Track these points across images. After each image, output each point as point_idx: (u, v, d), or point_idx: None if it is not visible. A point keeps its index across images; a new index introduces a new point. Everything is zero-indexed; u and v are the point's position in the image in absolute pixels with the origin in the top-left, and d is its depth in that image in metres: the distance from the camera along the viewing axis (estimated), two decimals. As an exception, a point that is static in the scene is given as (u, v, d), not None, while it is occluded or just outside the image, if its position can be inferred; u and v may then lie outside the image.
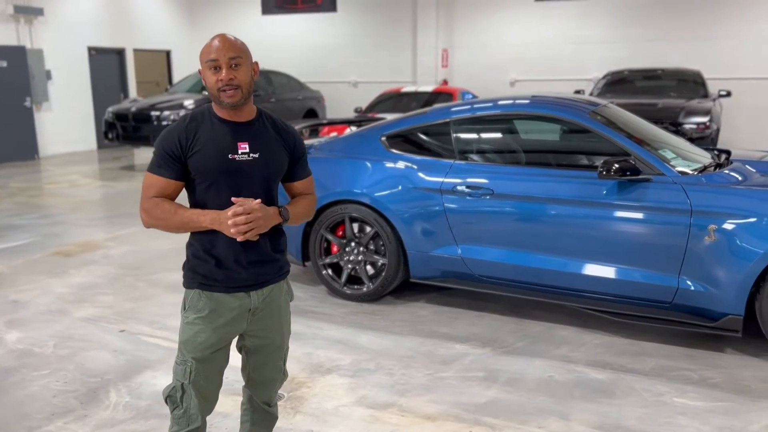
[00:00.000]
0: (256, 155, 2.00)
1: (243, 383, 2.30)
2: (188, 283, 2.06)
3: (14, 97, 11.58)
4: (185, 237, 2.09)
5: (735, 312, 3.37)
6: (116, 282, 4.87)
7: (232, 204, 1.95)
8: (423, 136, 4.35)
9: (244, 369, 2.24)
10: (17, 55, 11.57)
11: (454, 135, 4.22)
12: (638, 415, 2.93)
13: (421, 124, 4.35)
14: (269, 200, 2.05)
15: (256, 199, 1.97)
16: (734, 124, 10.91)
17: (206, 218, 1.95)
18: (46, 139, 12.37)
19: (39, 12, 11.95)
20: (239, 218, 1.90)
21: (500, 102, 4.29)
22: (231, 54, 1.93)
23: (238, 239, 1.94)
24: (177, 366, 2.06)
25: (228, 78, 1.91)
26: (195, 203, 2.03)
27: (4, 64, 11.35)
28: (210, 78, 1.94)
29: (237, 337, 2.15)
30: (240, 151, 1.97)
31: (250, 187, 1.99)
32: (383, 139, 4.40)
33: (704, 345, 3.64)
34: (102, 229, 6.59)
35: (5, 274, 5.07)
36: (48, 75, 12.31)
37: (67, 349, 3.67)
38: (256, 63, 2.04)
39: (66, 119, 12.77)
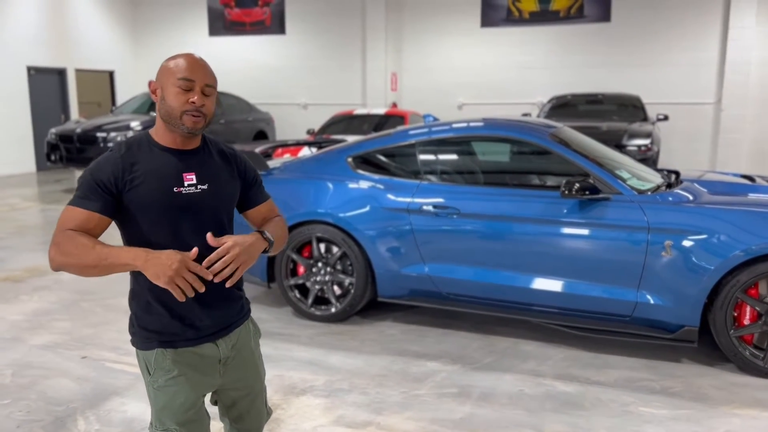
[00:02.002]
0: (205, 186, 1.78)
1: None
2: (144, 344, 1.79)
3: (-52, 117, 11.07)
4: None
5: (691, 324, 3.56)
6: (72, 307, 4.70)
7: (178, 246, 1.68)
8: (389, 158, 4.42)
9: (224, 417, 2.02)
10: (-48, 73, 11.09)
11: (420, 156, 4.31)
12: (608, 425, 3.04)
13: (387, 145, 4.43)
14: (222, 235, 1.78)
15: (204, 236, 1.71)
16: (670, 147, 11.49)
17: (128, 255, 1.61)
18: (-19, 161, 11.86)
19: (-25, 29, 11.52)
20: (188, 276, 1.61)
21: (465, 124, 4.42)
22: (208, 81, 1.75)
23: (199, 290, 1.63)
24: None
25: (200, 103, 1.72)
26: (132, 244, 1.75)
27: (-62, 82, 10.86)
28: (177, 96, 1.71)
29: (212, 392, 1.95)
30: (186, 184, 1.75)
31: (199, 222, 1.76)
32: (349, 159, 4.45)
33: (663, 356, 3.82)
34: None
35: (-50, 302, 4.83)
36: (-16, 94, 11.84)
37: (27, 378, 3.52)
38: (217, 94, 1.92)
39: (4, 140, 12.28)
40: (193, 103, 1.72)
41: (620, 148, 8.09)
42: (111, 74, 15.15)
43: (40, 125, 12.91)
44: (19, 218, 8.14)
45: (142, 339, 1.80)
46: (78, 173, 12.22)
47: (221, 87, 13.78)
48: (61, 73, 13.71)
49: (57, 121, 13.16)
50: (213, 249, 1.71)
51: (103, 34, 14.80)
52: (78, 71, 14.05)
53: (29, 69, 12.85)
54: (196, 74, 1.73)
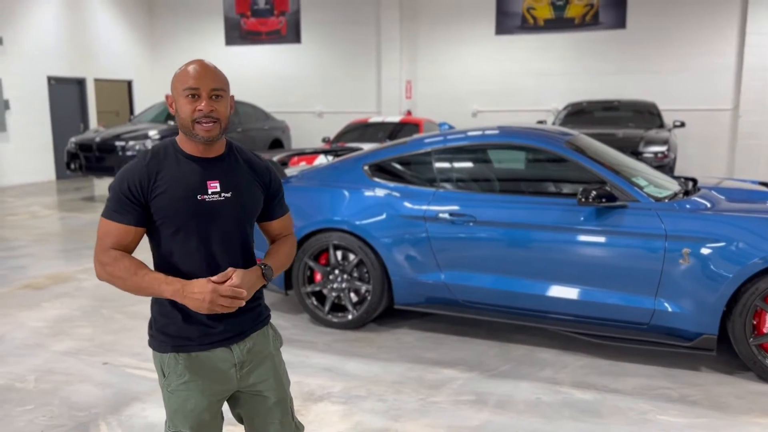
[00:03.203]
0: (228, 195, 1.80)
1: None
2: (160, 347, 1.83)
3: (-29, 126, 11.28)
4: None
5: (709, 332, 3.54)
6: (93, 314, 4.77)
7: (203, 257, 1.77)
8: (405, 166, 4.45)
9: None
10: (-25, 84, 11.32)
11: (436, 164, 4.34)
12: (626, 433, 3.04)
13: (403, 153, 4.46)
14: (245, 244, 1.87)
15: (230, 243, 1.80)
16: (687, 153, 11.42)
17: (168, 289, 1.71)
18: (3, 170, 12.06)
19: (-2, 41, 11.76)
20: (224, 300, 1.70)
21: (480, 132, 4.44)
22: (214, 85, 1.74)
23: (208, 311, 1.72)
24: None
25: (208, 110, 1.72)
26: (159, 251, 1.82)
27: (-39, 93, 11.08)
28: (185, 107, 1.73)
29: (232, 405, 1.97)
30: (210, 191, 1.77)
31: (223, 231, 1.80)
32: (365, 168, 4.48)
33: (681, 364, 3.80)
34: (70, 261, 6.45)
35: (-26, 309, 4.92)
36: (6, 104, 12.05)
37: (50, 384, 3.58)
38: (232, 96, 1.85)
39: (24, 149, 12.48)
40: (201, 110, 1.72)
41: (636, 155, 8.06)
42: (129, 84, 15.36)
43: (59, 134, 13.12)
44: (39, 226, 8.27)
45: (158, 341, 1.84)
46: (97, 182, 12.40)
47: (238, 96, 13.89)
48: (80, 83, 13.93)
49: (76, 130, 13.37)
50: (237, 247, 1.84)
51: (122, 44, 15.02)
52: (97, 81, 14.27)
53: (49, 79, 13.07)
54: (201, 81, 1.73)
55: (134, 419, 3.17)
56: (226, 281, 1.73)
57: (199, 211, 1.76)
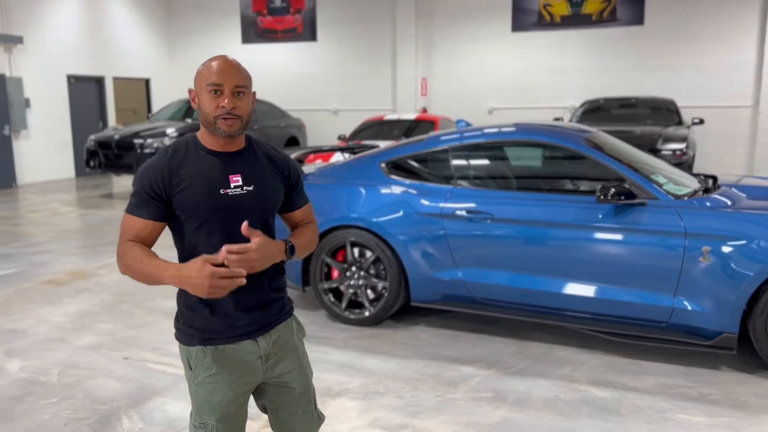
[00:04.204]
0: (251, 188, 1.82)
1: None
2: (187, 340, 1.85)
3: (-8, 124, 11.46)
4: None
5: (729, 330, 3.51)
6: (113, 309, 4.84)
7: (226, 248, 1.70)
8: (422, 163, 4.46)
9: (274, 426, 2.03)
10: (-4, 82, 11.49)
11: (453, 161, 4.34)
12: (645, 432, 3.03)
13: (420, 150, 4.47)
14: (267, 236, 1.83)
15: (254, 236, 1.74)
16: (706, 151, 11.30)
17: (166, 274, 1.68)
18: (24, 167, 12.23)
19: (19, 40, 11.90)
20: (223, 282, 1.64)
21: (497, 129, 4.43)
22: (237, 82, 1.77)
23: (218, 294, 1.66)
24: (196, 429, 1.88)
25: (231, 106, 1.75)
26: (183, 246, 1.83)
27: (-17, 91, 11.25)
28: (208, 103, 1.76)
29: (257, 396, 2.00)
30: (233, 185, 1.79)
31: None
32: (383, 165, 4.50)
33: (701, 363, 3.77)
34: (90, 257, 6.53)
35: (-2, 303, 5.01)
36: (27, 103, 12.21)
37: (73, 377, 3.64)
38: (254, 93, 1.87)
39: (44, 147, 12.65)
40: (224, 107, 1.74)
41: (655, 152, 8.00)
42: (147, 82, 15.49)
43: (79, 132, 13.27)
44: (60, 223, 8.38)
45: (185, 335, 1.86)
46: (116, 179, 12.53)
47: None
48: (99, 82, 14.08)
49: (95, 128, 13.52)
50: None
51: (140, 43, 15.16)
52: (115, 79, 14.41)
53: (69, 77, 13.23)
54: (224, 77, 1.75)
55: (155, 413, 3.22)
56: (221, 261, 1.66)
57: (223, 205, 1.78)
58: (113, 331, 4.38)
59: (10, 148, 11.79)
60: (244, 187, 1.81)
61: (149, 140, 10.33)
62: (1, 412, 3.24)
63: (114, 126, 12.53)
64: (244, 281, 1.67)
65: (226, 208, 1.79)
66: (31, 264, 6.20)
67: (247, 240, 1.79)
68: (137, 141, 10.37)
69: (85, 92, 13.76)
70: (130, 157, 10.32)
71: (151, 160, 1.82)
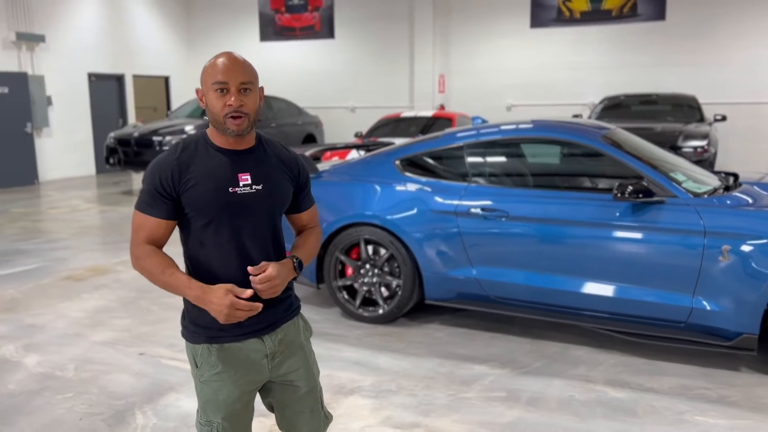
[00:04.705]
0: (259, 187, 1.81)
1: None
2: (193, 338, 1.86)
3: (15, 122, 11.64)
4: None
5: (750, 331, 3.44)
6: (130, 305, 4.88)
7: (234, 249, 1.79)
8: (436, 160, 4.43)
9: (281, 425, 2.03)
10: (19, 81, 11.66)
11: (468, 159, 4.30)
12: (661, 433, 2.98)
13: (434, 148, 4.44)
14: (275, 236, 1.87)
15: (260, 235, 1.82)
16: (728, 148, 11.11)
17: (190, 294, 1.74)
18: (45, 164, 12.40)
19: (41, 39, 12.07)
20: (241, 313, 1.73)
21: (514, 126, 4.39)
22: (242, 79, 1.74)
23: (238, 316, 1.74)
24: (201, 427, 1.88)
25: (238, 104, 1.72)
26: (190, 243, 1.83)
27: (6, 90, 11.43)
28: (215, 102, 1.74)
29: (263, 395, 2.00)
30: (241, 184, 1.78)
31: (254, 223, 1.81)
32: (397, 162, 4.48)
33: (720, 364, 3.70)
34: (109, 253, 6.60)
35: (17, 299, 5.07)
36: (49, 101, 12.39)
37: (89, 372, 3.68)
38: (262, 88, 1.84)
39: (66, 144, 12.82)
40: (230, 105, 1.73)
41: (675, 149, 7.88)
42: (166, 80, 15.63)
43: (99, 129, 13.43)
44: (80, 219, 8.48)
45: (191, 332, 1.86)
46: (135, 176, 12.66)
47: (271, 92, 14.04)
48: (119, 79, 14.23)
49: (115, 126, 13.67)
50: (268, 239, 1.85)
51: (159, 41, 15.29)
52: (135, 77, 14.56)
53: (90, 75, 13.39)
54: (229, 75, 1.73)
55: (169, 409, 3.24)
56: (247, 297, 1.75)
57: (231, 203, 1.77)
58: (130, 327, 4.42)
59: (32, 146, 11.97)
60: (253, 186, 1.80)
61: (168, 137, 10.41)
62: (18, 406, 3.28)
63: (134, 123, 12.65)
64: (259, 308, 1.76)
65: (235, 207, 1.78)
66: (51, 260, 6.29)
67: (252, 235, 1.82)
68: (156, 138, 10.46)
69: (106, 90, 13.92)
70: (149, 154, 10.42)
71: (161, 157, 1.81)
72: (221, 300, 1.70)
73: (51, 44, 12.41)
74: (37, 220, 8.44)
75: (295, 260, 1.87)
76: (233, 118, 1.74)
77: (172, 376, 3.62)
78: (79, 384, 3.53)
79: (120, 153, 10.79)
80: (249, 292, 1.74)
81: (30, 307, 4.87)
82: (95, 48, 13.46)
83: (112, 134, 11.17)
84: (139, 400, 3.33)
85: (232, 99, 1.73)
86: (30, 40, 11.87)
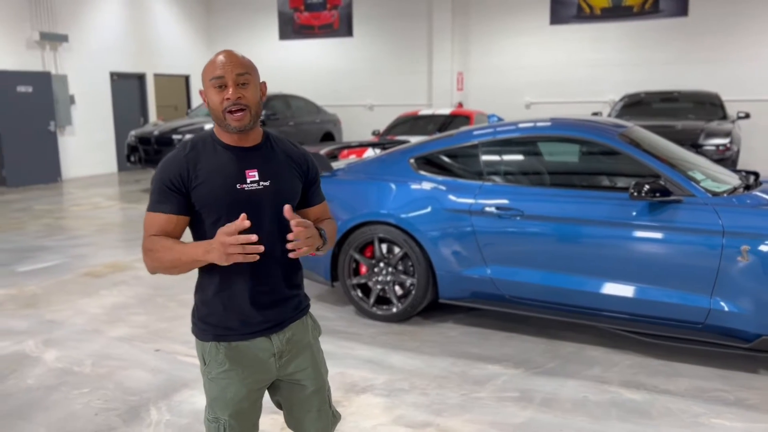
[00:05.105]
0: (267, 183, 1.80)
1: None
2: (202, 335, 1.86)
3: (39, 121, 11.83)
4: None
5: (769, 332, 3.38)
6: (148, 302, 4.94)
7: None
8: (451, 158, 4.41)
9: (289, 423, 2.04)
10: (42, 80, 11.84)
11: (483, 157, 4.28)
12: (676, 436, 2.94)
13: (449, 146, 4.42)
14: (284, 232, 1.80)
15: (269, 231, 1.78)
16: (750, 146, 10.91)
17: (198, 250, 1.68)
18: (68, 162, 12.59)
19: (64, 38, 12.25)
20: (233, 240, 1.60)
21: (529, 124, 4.35)
22: (239, 70, 1.74)
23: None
24: (209, 423, 1.89)
25: (235, 97, 1.72)
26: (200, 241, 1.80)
27: (30, 89, 11.62)
28: (214, 97, 1.74)
29: (272, 393, 2.00)
30: (249, 180, 1.78)
31: (262, 219, 1.79)
32: (411, 161, 4.47)
33: (738, 366, 3.64)
34: (128, 250, 6.68)
35: (38, 295, 5.15)
36: (72, 99, 12.57)
37: (105, 368, 3.73)
38: (264, 83, 1.84)
39: (88, 143, 13.00)
40: (229, 99, 1.72)
41: (697, 148, 7.76)
42: (187, 78, 15.77)
43: (121, 128, 13.60)
44: (101, 216, 8.60)
45: (199, 330, 1.87)
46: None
47: (290, 90, 14.08)
48: (140, 78, 14.39)
49: (136, 124, 13.83)
50: (276, 235, 1.80)
51: (180, 40, 15.43)
52: (156, 76, 14.71)
53: (112, 74, 13.56)
54: (224, 68, 1.73)
55: (183, 405, 3.27)
56: (245, 227, 1.63)
57: (239, 199, 1.77)
58: (146, 324, 4.47)
59: (55, 144, 12.15)
60: (261, 182, 1.80)
61: (188, 136, 10.50)
62: (36, 400, 3.34)
63: (154, 122, 12.80)
64: (261, 248, 1.63)
65: (243, 203, 1.77)
66: (72, 256, 6.38)
67: (262, 232, 1.77)
68: (176, 137, 10.57)
69: (127, 89, 14.09)
70: (169, 152, 10.51)
71: (170, 155, 1.82)
72: (217, 238, 1.63)
73: (74, 44, 12.59)
74: (60, 218, 8.58)
75: (319, 228, 1.83)
76: (232, 112, 1.74)
77: (186, 372, 3.66)
78: (96, 379, 3.58)
79: (141, 151, 10.92)
80: (244, 220, 1.62)
81: (50, 302, 4.95)
82: (117, 47, 13.63)
83: (133, 132, 11.31)
84: (154, 396, 3.37)
85: (230, 92, 1.73)
86: (53, 39, 12.05)
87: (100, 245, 6.90)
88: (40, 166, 11.87)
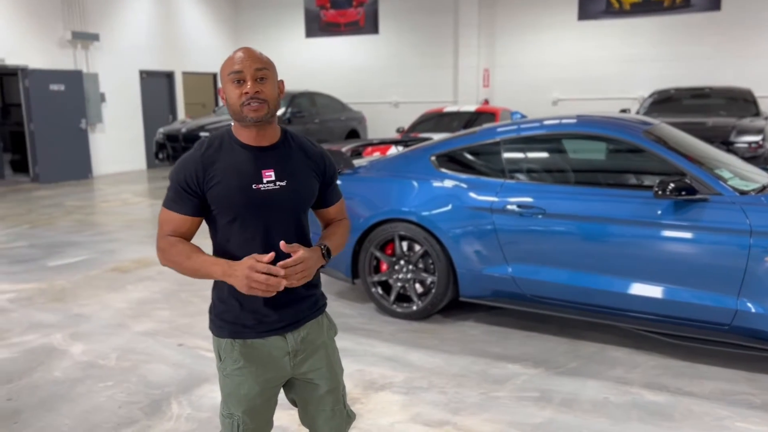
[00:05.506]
0: (283, 183, 1.80)
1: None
2: (218, 332, 1.88)
3: (70, 119, 12.07)
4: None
5: (798, 335, 3.29)
6: (172, 297, 5.01)
7: (259, 246, 1.77)
8: (473, 156, 4.39)
9: (303, 421, 2.05)
10: (74, 78, 12.09)
11: (505, 154, 4.24)
12: (699, 439, 2.88)
13: (471, 143, 4.40)
14: (300, 232, 1.87)
15: (286, 231, 1.81)
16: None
17: (217, 270, 1.73)
18: (99, 159, 12.84)
19: (95, 38, 12.48)
20: (258, 276, 1.67)
21: (551, 121, 4.31)
22: (257, 65, 1.74)
23: (260, 293, 1.70)
24: (224, 418, 1.91)
25: (254, 91, 1.72)
26: (217, 239, 1.85)
27: (62, 87, 11.87)
28: (232, 92, 1.74)
29: (287, 390, 2.01)
30: (265, 180, 1.77)
31: (279, 219, 1.80)
32: (433, 158, 4.45)
33: (765, 368, 3.56)
34: (155, 246, 6.75)
35: (67, 289, 5.27)
36: (102, 97, 12.81)
37: (129, 362, 3.80)
38: (282, 81, 1.83)
39: (118, 140, 13.24)
40: (247, 93, 1.72)
41: (727, 145, 7.58)
42: (214, 76, 15.94)
43: (150, 125, 13.81)
44: (129, 212, 8.75)
45: (215, 326, 1.89)
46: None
47: (316, 87, 14.13)
48: (169, 76, 14.59)
49: (165, 122, 14.03)
50: (292, 235, 1.83)
51: (208, 38, 15.60)
52: (185, 74, 14.91)
53: (141, 73, 13.77)
54: (243, 63, 1.73)
55: (203, 399, 3.31)
56: (267, 261, 1.70)
57: (254, 200, 1.77)
58: (170, 319, 4.54)
59: (86, 141, 12.40)
60: (277, 182, 1.79)
61: (214, 133, 10.62)
62: (62, 393, 3.41)
63: (182, 119, 12.97)
64: (281, 286, 1.70)
65: (259, 203, 1.77)
66: (100, 252, 6.51)
67: (278, 231, 1.81)
68: (203, 134, 10.69)
69: (156, 87, 14.30)
70: (196, 149, 10.65)
71: (187, 154, 1.83)
72: (242, 266, 1.68)
73: (105, 43, 12.81)
74: (90, 213, 8.75)
75: (323, 248, 1.86)
76: (249, 104, 1.73)
77: (208, 367, 3.70)
78: (120, 373, 3.65)
79: (168, 148, 11.09)
80: (270, 256, 1.70)
81: (78, 297, 5.06)
82: (146, 46, 13.83)
83: (161, 130, 11.48)
84: (175, 390, 3.42)
85: (248, 86, 1.73)
86: (85, 39, 12.29)
87: (128, 241, 7.02)
88: (71, 162, 12.12)
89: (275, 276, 1.68)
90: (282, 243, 1.73)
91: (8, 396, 3.37)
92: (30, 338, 4.19)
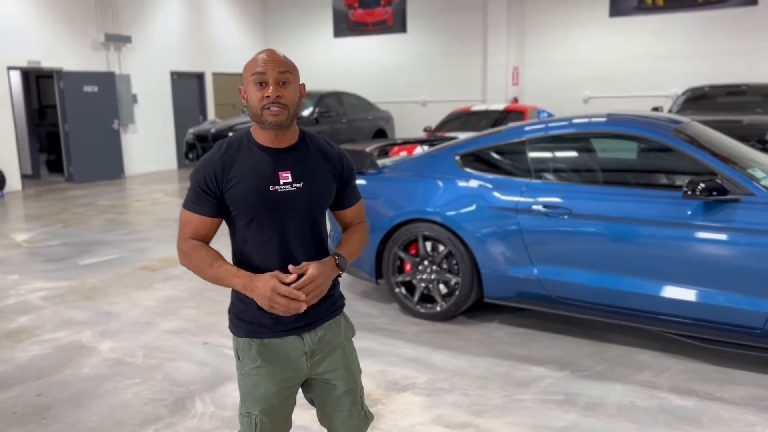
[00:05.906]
0: (300, 185, 1.81)
1: None
2: (236, 331, 1.91)
3: (103, 119, 12.32)
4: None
5: (834, 340, 3.19)
6: (198, 296, 5.07)
7: (276, 247, 1.80)
8: (498, 155, 4.34)
9: (321, 421, 2.06)
10: (107, 80, 12.33)
11: (530, 154, 4.19)
12: (728, 446, 2.81)
13: (495, 143, 4.35)
14: (317, 234, 1.88)
15: (302, 233, 1.83)
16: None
17: (238, 282, 1.76)
18: (131, 159, 13.07)
19: (127, 39, 12.71)
20: (281, 299, 1.72)
21: (578, 120, 4.24)
22: (280, 69, 1.74)
23: (285, 312, 1.75)
24: (242, 417, 1.93)
25: (275, 95, 1.72)
26: (235, 240, 1.87)
27: (96, 88, 12.12)
28: (254, 94, 1.74)
29: (305, 389, 2.02)
30: (282, 182, 1.78)
31: (295, 221, 1.82)
32: (457, 158, 4.42)
33: (800, 375, 3.46)
34: (184, 245, 6.87)
35: (97, 287, 5.38)
36: (134, 98, 13.04)
37: (156, 360, 3.85)
38: (303, 85, 1.84)
39: (150, 140, 13.47)
40: (269, 97, 1.72)
41: (763, 143, 7.37)
42: (244, 77, 16.08)
43: (181, 126, 14.02)
44: (160, 212, 8.90)
45: (234, 325, 1.91)
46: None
47: (344, 87, 14.19)
48: (199, 77, 14.79)
49: (196, 122, 14.22)
50: (309, 237, 1.85)
51: (237, 39, 15.77)
52: (215, 75, 15.09)
53: (172, 74, 13.98)
54: (266, 66, 1.73)
55: (227, 398, 3.34)
56: (290, 282, 1.74)
57: (271, 201, 1.78)
58: (196, 317, 4.59)
59: (118, 142, 12.64)
60: (294, 184, 1.80)
61: (242, 133, 10.73)
62: (90, 389, 3.48)
63: (212, 119, 13.13)
64: (303, 308, 1.75)
65: (276, 205, 1.79)
66: (131, 251, 6.63)
67: (294, 233, 1.83)
68: (231, 134, 10.79)
69: (187, 88, 14.51)
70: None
71: (206, 156, 1.84)
72: (266, 283, 1.72)
73: (137, 44, 13.04)
74: (121, 213, 8.92)
75: (337, 258, 1.87)
76: (269, 108, 1.73)
77: (231, 366, 3.73)
78: (146, 370, 3.70)
79: (198, 148, 11.23)
80: (293, 277, 1.74)
81: (108, 295, 5.16)
82: (177, 47, 14.04)
83: (191, 130, 11.64)
84: (200, 388, 3.46)
85: (270, 90, 1.73)
86: (117, 41, 12.52)
87: (157, 240, 7.13)
88: (104, 163, 12.37)
89: (296, 299, 1.74)
90: (290, 267, 1.77)
91: (38, 392, 3.46)
92: (60, 335, 4.28)
